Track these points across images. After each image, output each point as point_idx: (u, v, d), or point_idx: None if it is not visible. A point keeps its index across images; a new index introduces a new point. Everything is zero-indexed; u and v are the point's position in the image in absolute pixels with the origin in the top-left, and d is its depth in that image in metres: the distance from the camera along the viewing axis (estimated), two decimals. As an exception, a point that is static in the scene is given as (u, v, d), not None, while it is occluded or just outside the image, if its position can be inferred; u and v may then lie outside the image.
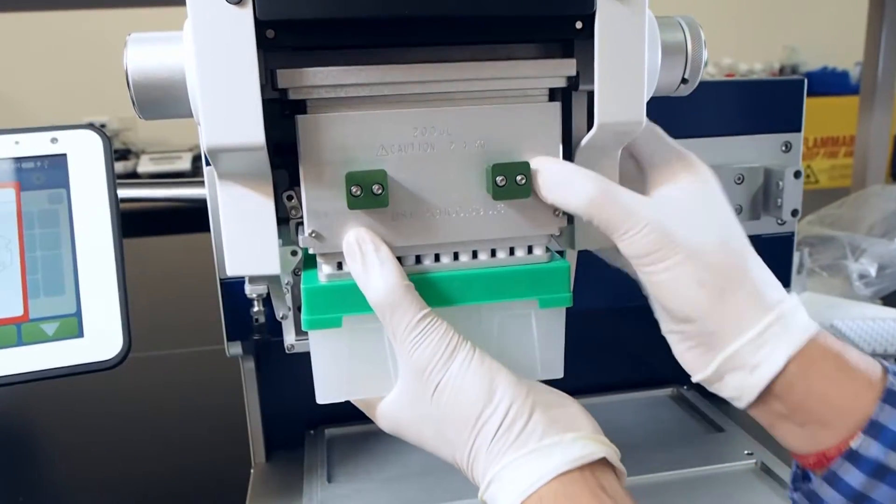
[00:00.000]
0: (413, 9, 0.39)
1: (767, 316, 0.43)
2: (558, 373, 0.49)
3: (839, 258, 1.31)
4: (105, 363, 0.52)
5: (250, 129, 0.38)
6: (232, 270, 0.43)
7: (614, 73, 0.42)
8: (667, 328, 0.47)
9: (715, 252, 0.44)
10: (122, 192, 0.98)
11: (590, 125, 0.47)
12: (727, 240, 0.45)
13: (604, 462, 0.41)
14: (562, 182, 0.44)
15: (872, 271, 1.17)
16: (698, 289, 0.43)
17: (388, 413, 0.45)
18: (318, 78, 0.42)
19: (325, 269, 0.45)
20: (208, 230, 0.62)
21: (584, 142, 0.45)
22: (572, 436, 0.40)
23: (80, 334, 0.52)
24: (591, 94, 0.47)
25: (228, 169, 0.41)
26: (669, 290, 0.44)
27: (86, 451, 0.89)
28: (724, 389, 0.46)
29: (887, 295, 1.24)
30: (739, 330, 0.43)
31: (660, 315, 0.47)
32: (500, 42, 0.46)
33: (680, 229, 0.43)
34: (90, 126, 0.55)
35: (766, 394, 0.44)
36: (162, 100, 0.40)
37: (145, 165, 2.81)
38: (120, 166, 2.82)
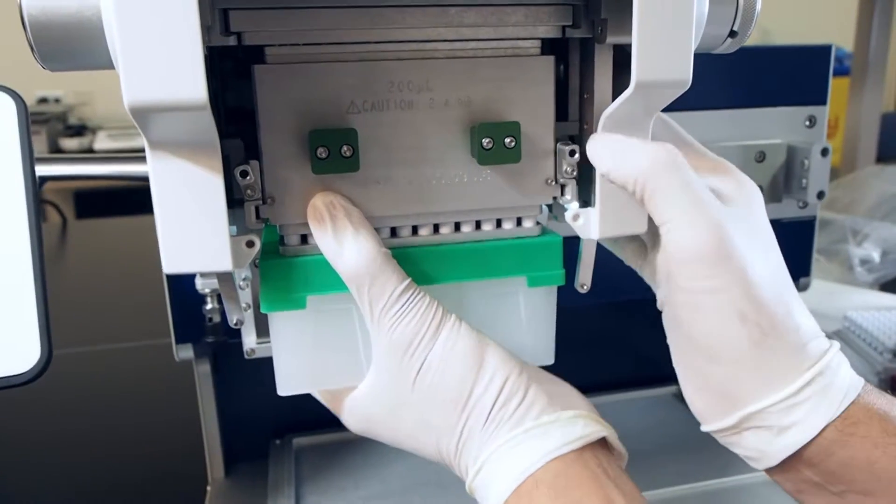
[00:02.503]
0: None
1: (807, 372, 0.37)
2: (548, 359, 0.44)
3: (837, 241, 1.24)
4: (18, 378, 0.42)
5: (188, 80, 0.28)
6: (170, 267, 0.34)
7: (658, 19, 0.34)
8: (681, 359, 0.39)
9: (766, 285, 0.37)
10: (66, 169, 0.88)
11: (616, 87, 0.40)
12: (776, 273, 0.38)
13: (603, 443, 0.37)
14: (621, 146, 0.38)
15: (876, 256, 1.10)
16: (739, 325, 0.36)
17: (358, 406, 0.40)
18: (280, 20, 0.35)
19: (286, 242, 0.39)
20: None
21: (614, 106, 0.37)
22: (571, 414, 0.37)
23: (-13, 343, 0.43)
24: (618, 49, 0.39)
25: (162, 136, 0.32)
26: (704, 318, 0.37)
27: (14, 462, 0.79)
28: (739, 447, 0.39)
29: (886, 282, 1.18)
30: (773, 384, 0.37)
31: (675, 341, 0.39)
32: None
33: (739, 241, 0.36)
34: (1, 88, 0.44)
35: (794, 459, 0.38)
36: (70, 45, 0.30)
37: (102, 142, 2.68)
38: (75, 143, 2.69)
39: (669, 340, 0.40)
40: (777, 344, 0.37)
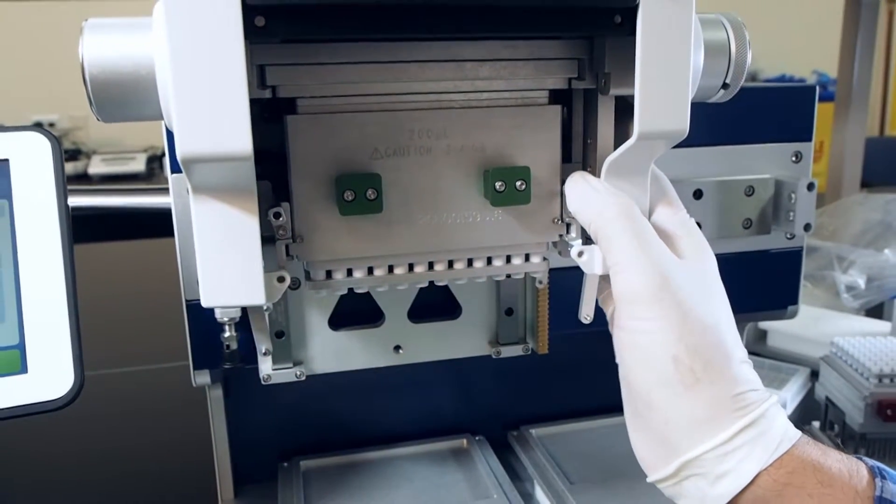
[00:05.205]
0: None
1: (741, 419, 0.38)
2: None
3: (823, 268, 1.27)
4: (52, 403, 0.45)
5: (235, 135, 0.31)
6: (209, 301, 0.37)
7: (658, 75, 0.37)
8: (627, 407, 0.41)
9: (705, 333, 0.38)
10: (74, 200, 0.90)
11: (618, 133, 0.43)
12: (721, 325, 0.39)
13: None
14: (584, 192, 0.41)
15: (862, 283, 1.13)
16: (672, 368, 0.38)
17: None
18: (312, 74, 0.38)
19: (312, 277, 0.42)
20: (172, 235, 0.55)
21: (616, 154, 0.40)
22: None
23: (24, 370, 0.45)
24: (619, 100, 0.42)
25: (206, 182, 0.34)
26: (640, 358, 0.39)
27: (29, 480, 0.80)
28: (682, 496, 0.40)
29: (871, 308, 1.21)
30: (707, 431, 0.38)
31: (623, 390, 0.41)
32: (521, 38, 0.40)
33: (683, 290, 0.38)
34: (37, 127, 0.47)
35: None
36: (125, 99, 0.33)
37: (97, 166, 2.69)
38: (70, 167, 2.70)
39: (622, 390, 0.41)
40: (711, 390, 0.37)
